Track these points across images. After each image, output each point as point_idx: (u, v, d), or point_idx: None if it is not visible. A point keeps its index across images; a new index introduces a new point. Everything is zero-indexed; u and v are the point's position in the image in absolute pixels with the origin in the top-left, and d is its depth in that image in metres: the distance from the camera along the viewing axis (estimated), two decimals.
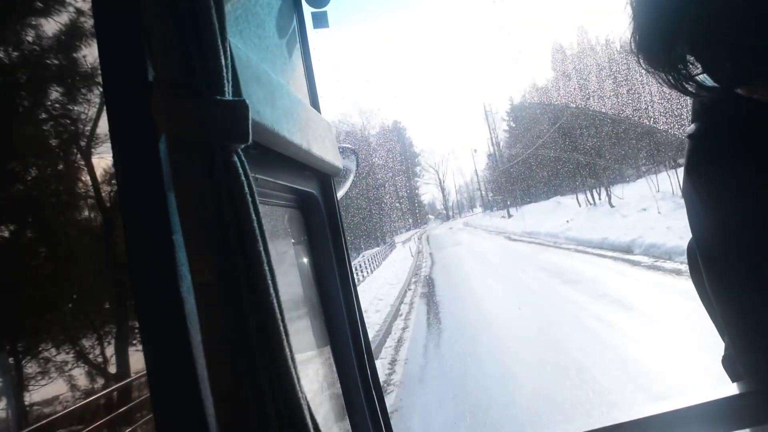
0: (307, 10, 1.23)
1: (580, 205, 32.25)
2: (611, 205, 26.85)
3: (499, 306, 12.30)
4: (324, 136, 1.07)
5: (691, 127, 0.76)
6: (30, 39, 9.13)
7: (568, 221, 26.67)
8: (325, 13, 1.26)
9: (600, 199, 30.34)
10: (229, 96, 0.56)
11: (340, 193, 1.21)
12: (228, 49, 0.57)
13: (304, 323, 1.02)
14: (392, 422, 1.11)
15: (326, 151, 1.04)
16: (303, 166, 0.98)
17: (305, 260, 1.07)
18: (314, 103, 1.17)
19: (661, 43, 0.68)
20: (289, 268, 1.01)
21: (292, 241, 1.05)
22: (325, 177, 1.12)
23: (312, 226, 1.09)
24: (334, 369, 1.05)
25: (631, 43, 0.73)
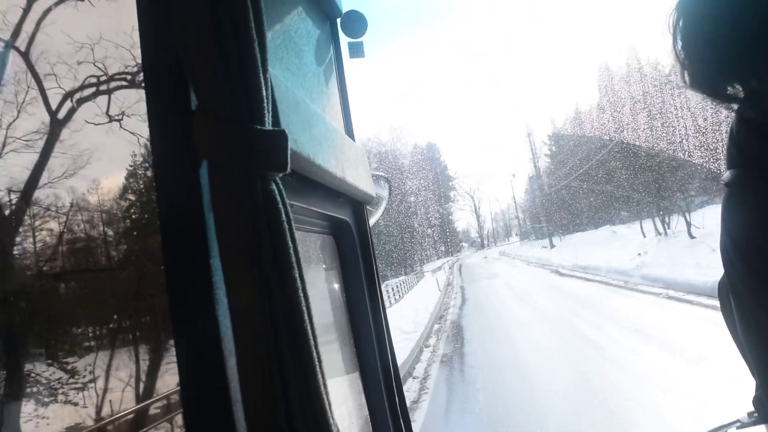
0: (344, 40, 1.28)
1: (644, 236, 25.99)
2: (691, 236, 21.09)
3: (575, 403, 6.44)
4: (358, 163, 1.09)
5: (726, 175, 0.75)
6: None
7: (639, 254, 21.16)
8: (361, 43, 1.30)
9: (670, 228, 24.37)
10: (269, 126, 0.59)
11: (372, 221, 1.23)
12: (269, 79, 0.60)
13: (334, 348, 1.03)
14: None
15: (360, 179, 1.07)
16: (337, 194, 1.00)
17: (336, 286, 1.09)
18: (348, 130, 1.20)
19: (713, 76, 0.71)
20: (320, 293, 1.03)
21: (324, 266, 1.07)
22: (358, 204, 1.14)
23: (344, 253, 1.10)
24: (362, 394, 1.06)
25: (683, 75, 0.75)
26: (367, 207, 1.18)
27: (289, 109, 0.74)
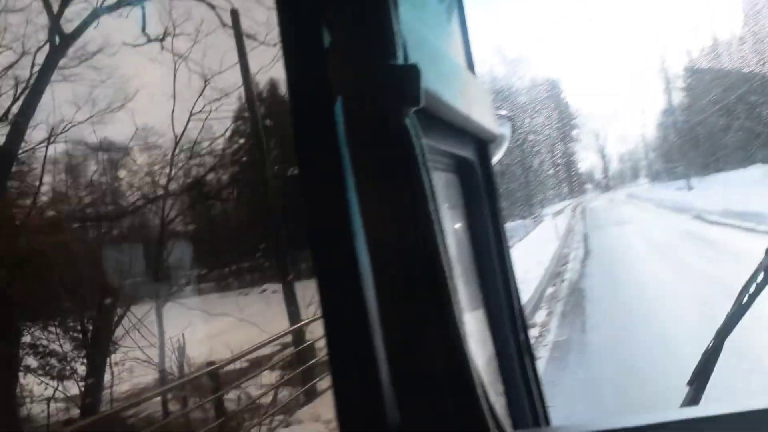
0: None
1: None
2: None
3: None
4: (482, 100, 1.07)
5: None
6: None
7: None
8: None
9: None
10: (401, 60, 0.59)
11: (494, 160, 1.21)
12: (399, 14, 0.60)
13: (459, 287, 1.05)
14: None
15: (483, 117, 1.05)
16: (461, 132, 0.99)
17: (459, 225, 1.09)
18: (470, 66, 1.17)
19: None
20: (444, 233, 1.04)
21: (447, 205, 1.07)
22: (482, 143, 1.13)
23: (468, 192, 1.10)
24: (488, 332, 1.08)
25: None
26: (491, 145, 1.16)
27: (414, 44, 0.74)
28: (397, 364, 0.58)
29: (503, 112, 1.29)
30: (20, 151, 9.59)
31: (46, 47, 9.49)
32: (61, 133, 10.09)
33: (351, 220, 0.60)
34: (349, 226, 0.60)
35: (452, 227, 1.08)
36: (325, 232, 0.62)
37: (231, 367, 8.14)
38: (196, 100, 10.96)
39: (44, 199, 10.24)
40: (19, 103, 9.36)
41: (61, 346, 9.30)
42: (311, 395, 8.21)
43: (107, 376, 9.31)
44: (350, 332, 0.60)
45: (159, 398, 8.68)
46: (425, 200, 0.58)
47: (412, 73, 0.59)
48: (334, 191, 0.61)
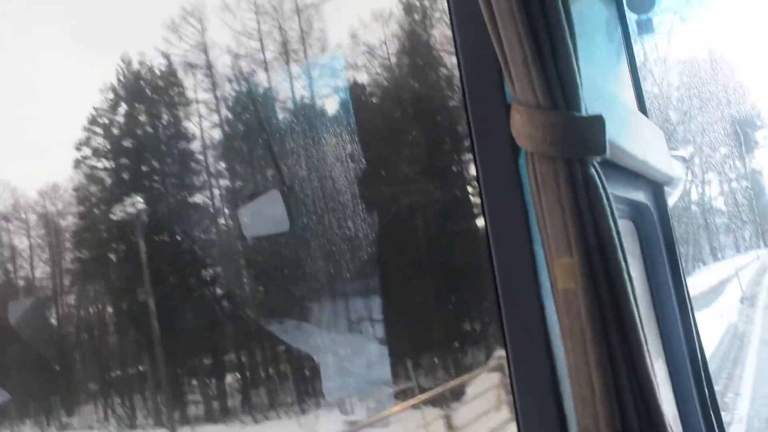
0: (631, 17, 1.25)
1: None
2: None
3: None
4: (656, 142, 1.06)
5: None
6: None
7: None
8: (650, 19, 1.25)
9: None
10: (585, 112, 0.62)
11: (670, 202, 1.17)
12: (580, 67, 0.64)
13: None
14: None
15: (658, 160, 1.03)
16: (636, 176, 0.99)
17: (635, 273, 1.08)
18: (642, 108, 1.17)
19: None
20: None
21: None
22: (658, 186, 1.11)
23: (645, 238, 1.08)
24: (669, 383, 1.04)
25: None
26: (666, 189, 1.14)
27: (589, 91, 0.78)
28: (587, 412, 0.58)
29: (677, 153, 1.26)
30: None
31: None
32: None
33: (538, 271, 0.63)
34: (536, 276, 0.63)
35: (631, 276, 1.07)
36: (512, 281, 0.65)
37: None
38: None
39: None
40: None
41: None
42: None
43: None
44: (537, 380, 0.62)
45: None
46: (615, 249, 0.59)
47: (597, 124, 0.61)
48: (521, 242, 0.64)
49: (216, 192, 15.92)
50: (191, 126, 16.18)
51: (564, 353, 0.60)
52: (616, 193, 0.92)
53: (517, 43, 0.61)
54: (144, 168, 15.89)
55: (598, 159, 0.62)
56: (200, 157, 16.26)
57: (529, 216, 0.64)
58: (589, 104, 0.74)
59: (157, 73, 16.04)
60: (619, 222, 1.05)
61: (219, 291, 15.37)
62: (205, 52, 15.23)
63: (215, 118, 15.82)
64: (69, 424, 15.62)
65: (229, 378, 15.88)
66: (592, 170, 0.62)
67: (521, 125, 0.62)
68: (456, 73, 0.76)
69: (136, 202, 14.45)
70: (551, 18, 0.62)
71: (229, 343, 15.47)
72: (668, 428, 0.59)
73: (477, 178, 0.69)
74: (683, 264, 1.11)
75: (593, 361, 0.58)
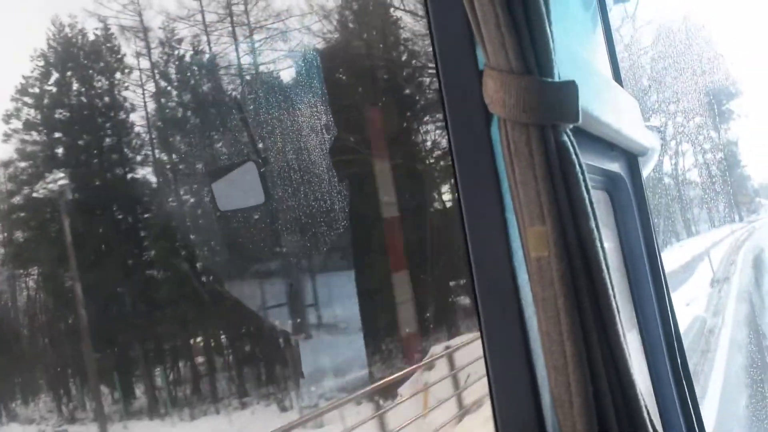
0: None
1: None
2: None
3: None
4: (630, 113, 1.05)
5: None
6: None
7: None
8: None
9: None
10: (558, 77, 0.60)
11: (644, 174, 1.17)
12: (553, 32, 0.61)
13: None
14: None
15: (633, 130, 1.03)
16: (611, 146, 0.98)
17: (610, 244, 1.06)
18: (617, 78, 1.16)
19: None
20: None
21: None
22: (632, 157, 1.10)
23: (619, 209, 1.08)
24: (643, 355, 1.05)
25: None
26: (640, 159, 1.12)
27: (564, 60, 0.74)
28: (560, 383, 0.58)
29: (651, 124, 1.26)
30: None
31: None
32: None
33: (510, 239, 0.61)
34: (509, 244, 0.61)
35: (602, 246, 1.05)
36: (484, 250, 0.63)
37: None
38: None
39: None
40: None
41: None
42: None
43: None
44: (510, 349, 0.61)
45: None
46: (587, 218, 0.58)
47: (570, 89, 0.60)
48: (493, 211, 0.62)
49: (158, 167, 15.31)
50: (131, 95, 15.42)
51: (536, 321, 0.60)
52: (591, 162, 0.90)
53: (490, 6, 0.60)
54: (79, 142, 15.04)
55: (571, 126, 0.61)
56: (141, 129, 15.59)
57: (502, 184, 0.63)
58: (563, 71, 0.72)
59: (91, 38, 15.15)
60: (594, 192, 1.02)
61: (157, 273, 14.77)
62: (140, 14, 14.46)
63: (151, 86, 15.11)
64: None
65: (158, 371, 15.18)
66: (565, 137, 0.60)
67: (494, 91, 0.61)
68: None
69: (58, 179, 13.53)
70: None
71: (168, 330, 14.85)
72: (640, 397, 0.59)
73: (449, 146, 0.67)
74: (657, 236, 1.10)
75: (566, 330, 0.57)
